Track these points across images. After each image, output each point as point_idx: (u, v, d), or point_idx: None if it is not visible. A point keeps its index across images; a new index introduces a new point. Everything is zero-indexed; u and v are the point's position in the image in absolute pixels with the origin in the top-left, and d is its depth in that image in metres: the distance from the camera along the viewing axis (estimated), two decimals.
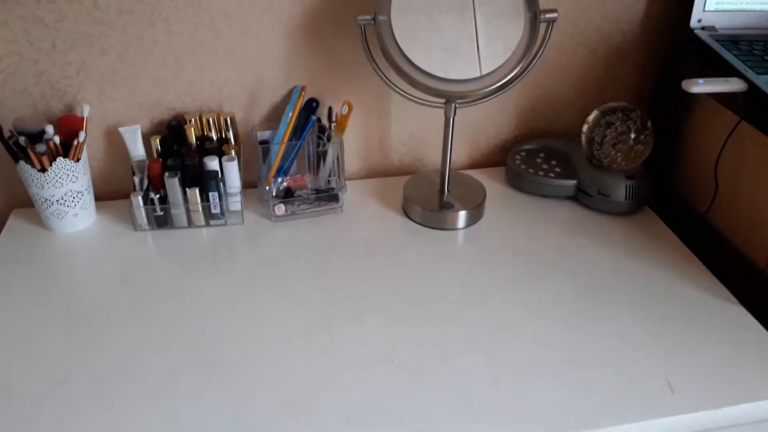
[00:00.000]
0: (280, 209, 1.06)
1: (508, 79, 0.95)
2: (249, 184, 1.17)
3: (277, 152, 1.06)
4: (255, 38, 1.03)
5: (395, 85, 0.99)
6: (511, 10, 0.94)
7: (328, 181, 1.10)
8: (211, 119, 1.06)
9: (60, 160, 0.95)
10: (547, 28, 0.97)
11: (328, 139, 1.08)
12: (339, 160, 1.08)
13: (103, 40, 0.98)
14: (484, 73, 0.94)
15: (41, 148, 0.93)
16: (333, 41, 1.07)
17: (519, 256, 0.97)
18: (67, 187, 0.98)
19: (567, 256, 0.97)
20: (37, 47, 0.97)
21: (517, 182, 1.16)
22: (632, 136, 1.05)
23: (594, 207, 1.10)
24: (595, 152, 1.08)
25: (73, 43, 0.97)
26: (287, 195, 1.08)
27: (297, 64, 1.08)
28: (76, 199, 1.00)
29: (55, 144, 0.95)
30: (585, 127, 1.09)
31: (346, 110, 1.05)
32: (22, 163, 0.94)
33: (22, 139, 0.94)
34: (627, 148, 1.06)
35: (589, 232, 1.03)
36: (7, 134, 0.96)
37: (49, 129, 0.95)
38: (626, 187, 1.05)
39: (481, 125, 1.22)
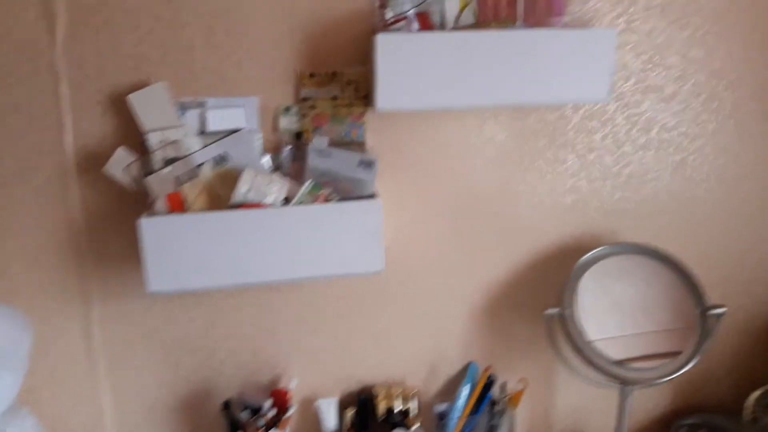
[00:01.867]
0: None
1: (682, 372, 1.02)
2: None
3: (455, 426, 1.11)
4: (439, 317, 1.16)
5: (575, 368, 1.07)
6: (681, 308, 1.05)
7: None
8: (398, 394, 1.14)
9: None
10: (716, 321, 1.06)
11: (501, 413, 1.12)
12: None
13: (317, 325, 1.13)
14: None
15: (260, 422, 1.02)
16: (511, 323, 1.19)
17: None
18: None
19: None
20: (260, 327, 1.12)
21: None
22: None
23: None
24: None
25: (290, 324, 1.12)
26: None
27: (475, 342, 1.19)
28: None
29: (271, 418, 1.04)
30: (747, 405, 1.12)
31: (522, 387, 1.11)
32: None
33: (244, 413, 1.03)
34: None
35: None
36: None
37: (268, 403, 1.05)
38: None
39: (640, 397, 1.26)
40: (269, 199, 0.95)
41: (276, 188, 0.95)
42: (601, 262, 1.09)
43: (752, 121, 1.15)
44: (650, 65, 1.09)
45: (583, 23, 1.02)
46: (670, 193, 1.16)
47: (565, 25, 1.02)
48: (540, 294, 1.17)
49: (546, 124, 1.09)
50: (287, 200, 0.96)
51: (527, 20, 1.01)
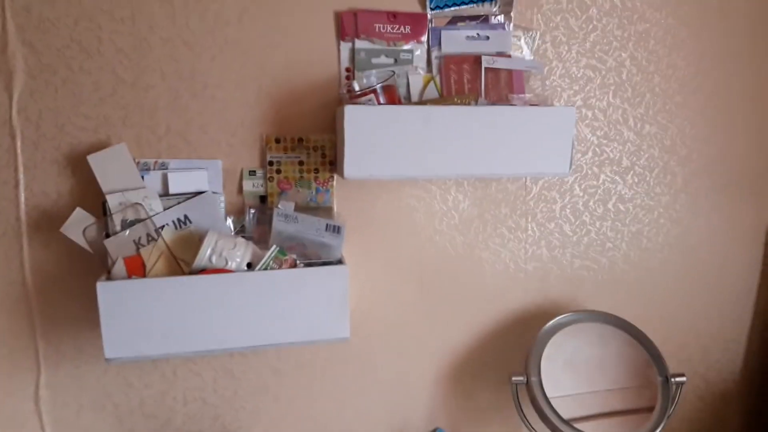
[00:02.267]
0: None
1: None
2: None
3: None
4: (404, 382, 1.15)
5: None
6: (643, 375, 1.07)
7: None
8: None
9: None
10: (677, 389, 1.08)
11: None
12: None
13: (279, 390, 1.10)
14: None
15: None
16: (477, 389, 1.18)
17: None
18: None
19: None
20: (220, 393, 1.08)
21: None
22: None
23: None
24: None
25: (252, 390, 1.09)
26: None
27: (441, 408, 1.17)
28: None
29: None
30: None
31: None
32: None
33: None
34: None
35: None
36: None
37: None
38: None
39: None
40: (232, 264, 0.93)
41: (239, 252, 0.94)
42: (564, 330, 1.10)
43: (702, 194, 1.20)
44: (606, 140, 1.14)
45: (542, 100, 1.07)
46: (628, 262, 1.19)
47: (525, 102, 1.06)
48: (505, 360, 1.17)
49: (507, 193, 1.12)
50: (251, 265, 0.95)
51: (488, 96, 1.05)
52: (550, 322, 1.09)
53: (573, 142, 0.98)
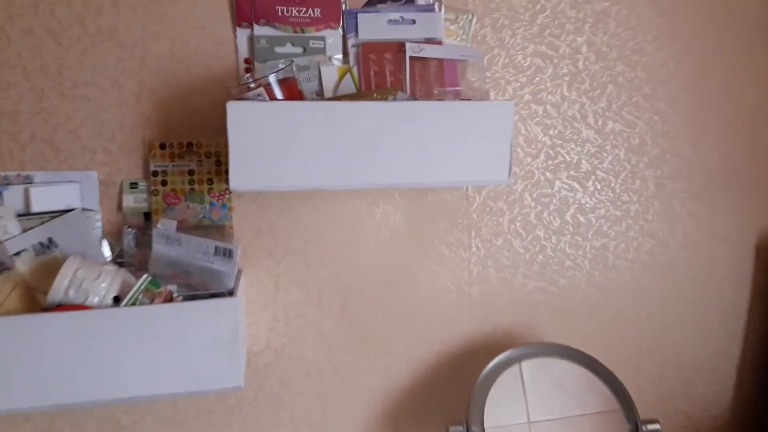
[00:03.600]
0: None
1: None
2: None
3: None
4: None
5: None
6: (610, 423, 0.89)
7: None
8: None
9: None
10: None
11: None
12: None
13: None
14: None
15: None
16: None
17: None
18: None
19: None
20: None
21: None
22: None
23: None
24: None
25: None
26: None
27: None
28: None
29: None
30: None
31: None
32: None
33: None
34: None
35: None
36: None
37: None
38: None
39: None
40: (94, 299, 0.76)
41: (104, 284, 0.77)
42: (514, 367, 0.92)
43: (678, 202, 1.03)
44: (561, 140, 0.97)
45: (481, 94, 0.90)
46: (592, 282, 1.02)
47: (458, 97, 0.89)
48: (445, 403, 1.00)
49: (446, 205, 0.95)
50: (118, 299, 0.78)
51: (415, 90, 0.88)
52: (497, 359, 0.92)
53: (511, 142, 0.81)
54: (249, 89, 0.79)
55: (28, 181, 0.84)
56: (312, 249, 0.92)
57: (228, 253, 0.82)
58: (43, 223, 0.83)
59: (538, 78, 0.96)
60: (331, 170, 0.78)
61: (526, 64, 0.95)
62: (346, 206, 0.92)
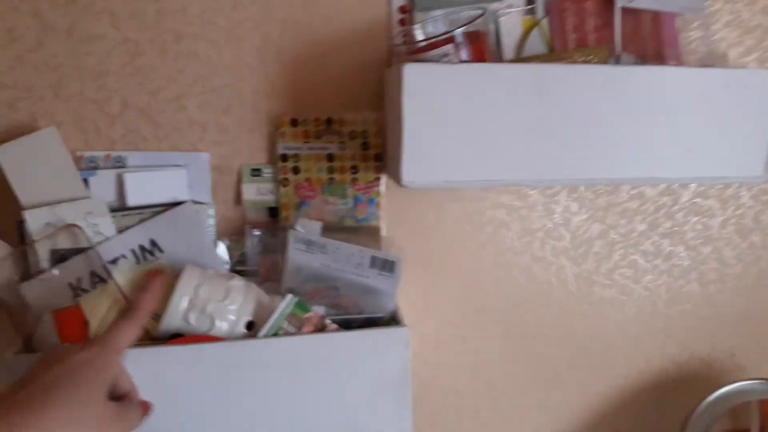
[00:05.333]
0: None
1: None
2: None
3: None
4: None
5: None
6: None
7: None
8: None
9: None
10: None
11: None
12: None
13: None
14: None
15: None
16: None
17: None
18: None
19: None
20: None
21: None
22: None
23: None
24: None
25: None
26: None
27: None
28: None
29: None
30: None
31: None
32: None
33: None
34: None
35: None
36: None
37: None
38: None
39: None
40: (223, 325, 0.57)
41: (234, 306, 0.57)
42: (728, 407, 0.72)
43: None
44: None
45: (713, 59, 0.68)
46: None
47: (680, 62, 0.68)
48: None
49: (644, 202, 0.74)
50: (252, 326, 0.58)
51: (627, 52, 0.67)
52: (714, 395, 0.72)
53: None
54: (426, 47, 0.58)
55: (119, 164, 0.64)
56: (471, 257, 0.72)
57: (389, 267, 0.62)
58: (142, 221, 0.63)
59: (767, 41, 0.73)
60: (538, 160, 0.58)
61: (753, 24, 0.73)
62: (519, 202, 0.72)
